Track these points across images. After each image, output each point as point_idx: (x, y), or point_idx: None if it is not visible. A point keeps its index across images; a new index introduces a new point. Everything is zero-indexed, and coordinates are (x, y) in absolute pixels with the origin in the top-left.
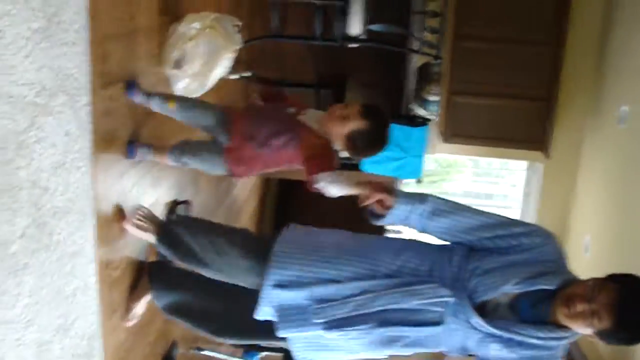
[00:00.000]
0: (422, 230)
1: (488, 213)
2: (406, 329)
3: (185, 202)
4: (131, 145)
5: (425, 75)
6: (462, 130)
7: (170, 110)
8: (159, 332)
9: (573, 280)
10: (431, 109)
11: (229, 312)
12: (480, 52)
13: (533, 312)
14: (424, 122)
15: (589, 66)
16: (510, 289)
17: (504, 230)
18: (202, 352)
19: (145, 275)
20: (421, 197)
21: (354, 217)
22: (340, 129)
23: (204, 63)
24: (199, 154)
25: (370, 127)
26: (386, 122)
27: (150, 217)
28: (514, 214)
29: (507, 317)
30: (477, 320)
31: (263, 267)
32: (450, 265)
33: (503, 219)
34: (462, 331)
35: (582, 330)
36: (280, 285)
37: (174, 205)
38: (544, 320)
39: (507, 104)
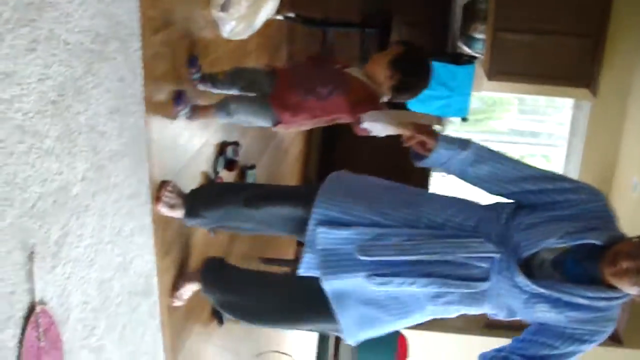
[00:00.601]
0: (462, 176)
1: (534, 166)
2: (451, 281)
3: (234, 143)
4: (178, 98)
5: (471, 13)
6: (507, 68)
7: (220, 80)
8: None
9: (621, 238)
10: (477, 47)
11: (282, 305)
12: None
13: (579, 270)
14: (470, 60)
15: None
16: (554, 242)
17: (549, 184)
18: None
19: (200, 267)
20: (463, 143)
21: (399, 168)
22: (382, 63)
23: (250, 5)
24: (245, 104)
25: (409, 51)
26: (424, 53)
27: (177, 192)
28: (560, 153)
29: (552, 275)
30: (521, 279)
31: (307, 209)
32: (498, 222)
33: (549, 173)
34: (507, 291)
35: (629, 289)
36: (324, 223)
37: (223, 146)
38: (592, 280)
39: (553, 40)
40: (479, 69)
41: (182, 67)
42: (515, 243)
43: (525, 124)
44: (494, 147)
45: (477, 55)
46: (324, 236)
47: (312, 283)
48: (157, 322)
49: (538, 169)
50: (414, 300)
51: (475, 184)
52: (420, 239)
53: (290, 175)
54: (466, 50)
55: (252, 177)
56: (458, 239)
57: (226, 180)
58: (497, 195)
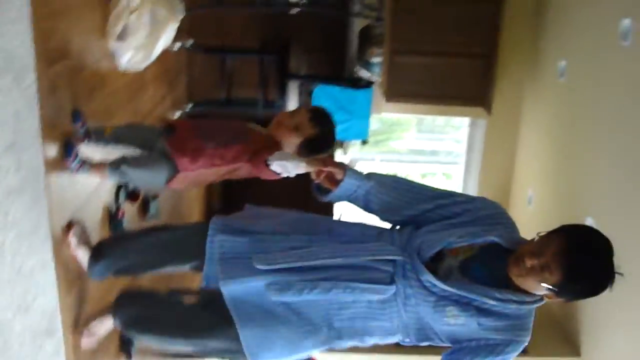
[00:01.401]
0: (366, 206)
1: (429, 186)
2: (355, 284)
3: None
4: (69, 149)
5: (367, 38)
6: (404, 90)
7: (106, 138)
8: None
9: (524, 241)
10: (374, 70)
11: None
12: (419, 11)
13: (486, 274)
14: (367, 84)
15: (527, 21)
16: (455, 241)
17: (445, 200)
18: None
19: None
20: (368, 175)
21: (301, 201)
22: (291, 139)
23: (147, 34)
24: (138, 163)
25: (322, 133)
26: (334, 123)
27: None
28: (459, 170)
29: (460, 281)
30: (427, 277)
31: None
32: (400, 234)
33: (445, 191)
34: (414, 294)
35: (536, 288)
36: (223, 231)
37: (118, 190)
38: (500, 284)
39: (447, 61)
40: (377, 92)
41: (80, 101)
42: (417, 246)
43: (424, 144)
44: (395, 166)
45: (375, 78)
46: (222, 243)
47: (217, 298)
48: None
49: (434, 189)
50: (317, 315)
51: (378, 213)
52: (322, 244)
53: (194, 204)
54: (364, 74)
55: (154, 208)
56: (360, 244)
57: (129, 213)
58: (399, 223)
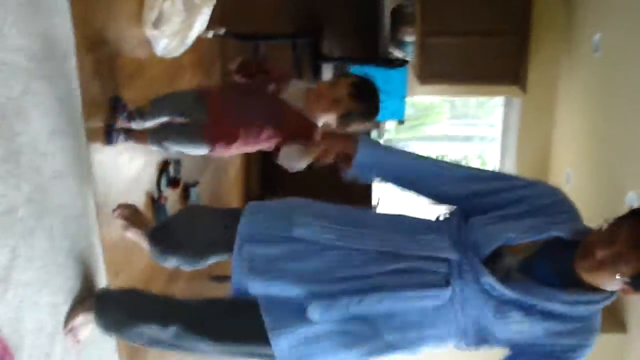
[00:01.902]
0: (400, 177)
1: (479, 168)
2: (406, 292)
3: (176, 161)
4: (110, 133)
5: (399, 17)
6: (437, 71)
7: (147, 112)
8: (161, 291)
9: (589, 230)
10: (408, 50)
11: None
12: None
13: (551, 273)
14: (402, 63)
15: None
16: (516, 238)
17: (500, 183)
18: None
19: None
20: (388, 145)
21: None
22: (330, 113)
23: (181, 21)
24: (175, 134)
25: (364, 107)
26: (376, 96)
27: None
28: (494, 151)
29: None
30: (488, 280)
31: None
32: (449, 227)
33: (498, 172)
34: (473, 298)
35: (609, 283)
36: (251, 241)
37: (165, 164)
38: (567, 282)
39: (480, 40)
40: (410, 75)
41: (118, 87)
42: (473, 243)
43: (458, 129)
44: (430, 150)
45: (408, 58)
46: (252, 252)
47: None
48: (113, 344)
49: (485, 170)
50: (363, 327)
51: (415, 187)
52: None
53: (233, 189)
54: (398, 54)
55: (195, 194)
56: (410, 235)
57: (171, 199)
58: (441, 199)
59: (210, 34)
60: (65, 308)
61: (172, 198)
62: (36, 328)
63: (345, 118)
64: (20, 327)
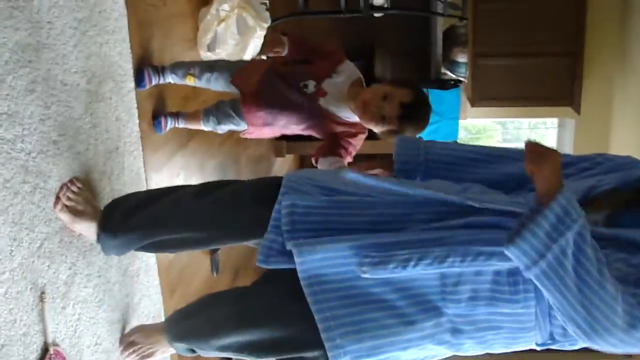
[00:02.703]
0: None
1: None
2: (477, 247)
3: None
4: (158, 119)
5: (452, 38)
6: (490, 93)
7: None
8: None
9: None
10: (460, 71)
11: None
12: (501, 12)
13: None
14: (455, 84)
15: (614, 15)
16: (599, 184)
17: (568, 158)
18: None
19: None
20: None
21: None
22: (375, 127)
23: (235, 44)
24: (228, 114)
25: (412, 130)
26: (429, 113)
27: (85, 197)
28: None
29: None
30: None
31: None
32: (522, 191)
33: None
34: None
35: None
36: (295, 189)
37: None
38: None
39: (532, 62)
40: (462, 97)
41: (173, 109)
42: None
43: None
44: None
45: (461, 79)
46: (293, 204)
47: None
48: None
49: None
50: (425, 296)
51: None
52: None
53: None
54: (450, 75)
55: None
56: (481, 189)
57: None
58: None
59: (264, 56)
60: (121, 325)
61: None
62: (94, 343)
63: (388, 134)
64: (79, 342)
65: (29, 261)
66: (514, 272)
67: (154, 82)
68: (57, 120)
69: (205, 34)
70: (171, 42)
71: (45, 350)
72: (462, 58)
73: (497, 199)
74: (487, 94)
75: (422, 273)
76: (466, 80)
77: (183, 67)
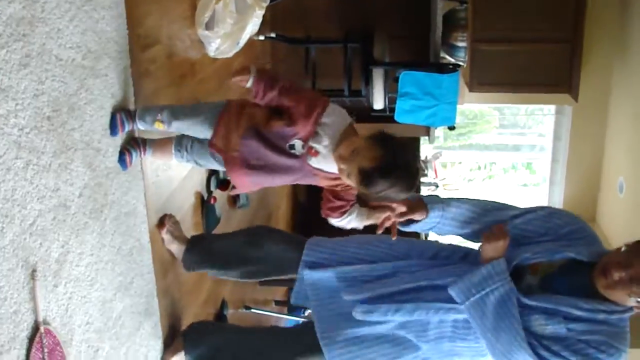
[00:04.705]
0: (444, 233)
1: (510, 206)
2: (439, 304)
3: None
4: (122, 155)
5: (452, 22)
6: (488, 78)
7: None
8: (209, 291)
9: (607, 252)
10: (459, 54)
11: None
12: None
13: (570, 288)
14: (454, 68)
15: (614, 2)
16: (530, 257)
17: (521, 219)
18: (250, 311)
19: (180, 336)
20: (446, 200)
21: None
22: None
23: (234, 23)
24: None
25: (377, 194)
26: (403, 169)
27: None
28: (545, 161)
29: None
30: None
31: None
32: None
33: (522, 208)
34: None
35: (625, 301)
36: (312, 267)
37: (210, 178)
38: (586, 294)
39: (531, 48)
40: (460, 81)
41: (170, 86)
42: None
43: (506, 138)
44: (478, 158)
45: (460, 63)
46: (310, 277)
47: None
48: (160, 343)
49: (512, 207)
50: (403, 337)
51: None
52: (406, 269)
53: (282, 194)
54: (449, 58)
55: (244, 197)
56: (447, 266)
57: (220, 200)
58: (470, 237)
59: (262, 37)
60: (114, 304)
61: (221, 200)
62: (85, 322)
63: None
64: (70, 321)
65: (20, 238)
66: (468, 320)
67: (127, 128)
68: (52, 96)
69: (203, 12)
70: (169, 19)
71: (36, 328)
72: (461, 42)
73: (459, 271)
74: (485, 79)
75: (399, 320)
76: (464, 65)
77: (153, 111)
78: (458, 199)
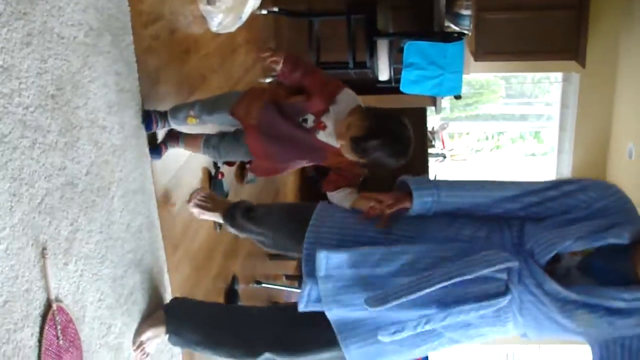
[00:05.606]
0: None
1: (527, 182)
2: (468, 306)
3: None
4: (155, 148)
5: None
6: (493, 47)
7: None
8: (219, 267)
9: None
10: (464, 23)
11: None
12: None
13: (610, 272)
14: (458, 37)
15: None
16: (570, 245)
17: (555, 191)
18: (262, 285)
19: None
20: (435, 183)
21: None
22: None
23: None
24: (229, 146)
25: (373, 161)
26: (391, 137)
27: (211, 197)
28: (552, 129)
29: (582, 282)
30: (550, 285)
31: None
32: (510, 231)
33: (549, 181)
34: (533, 302)
35: None
36: (322, 244)
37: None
38: (626, 280)
39: (537, 15)
40: (465, 50)
41: (174, 63)
42: (529, 250)
43: (513, 108)
44: (486, 128)
45: (465, 32)
46: (324, 262)
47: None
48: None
49: (537, 182)
50: (428, 333)
51: (471, 214)
52: (431, 262)
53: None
54: (454, 27)
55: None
56: (472, 256)
57: (227, 176)
58: (498, 217)
59: (264, 11)
60: (125, 281)
61: (229, 176)
62: (97, 299)
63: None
64: (82, 298)
65: (29, 217)
66: (497, 310)
67: (160, 127)
68: (55, 74)
69: None
70: None
71: (48, 306)
72: (466, 10)
73: (490, 257)
74: (490, 48)
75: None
76: (469, 34)
77: (184, 109)
78: (462, 185)
